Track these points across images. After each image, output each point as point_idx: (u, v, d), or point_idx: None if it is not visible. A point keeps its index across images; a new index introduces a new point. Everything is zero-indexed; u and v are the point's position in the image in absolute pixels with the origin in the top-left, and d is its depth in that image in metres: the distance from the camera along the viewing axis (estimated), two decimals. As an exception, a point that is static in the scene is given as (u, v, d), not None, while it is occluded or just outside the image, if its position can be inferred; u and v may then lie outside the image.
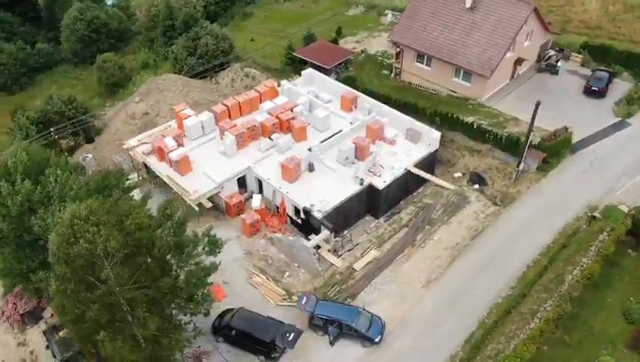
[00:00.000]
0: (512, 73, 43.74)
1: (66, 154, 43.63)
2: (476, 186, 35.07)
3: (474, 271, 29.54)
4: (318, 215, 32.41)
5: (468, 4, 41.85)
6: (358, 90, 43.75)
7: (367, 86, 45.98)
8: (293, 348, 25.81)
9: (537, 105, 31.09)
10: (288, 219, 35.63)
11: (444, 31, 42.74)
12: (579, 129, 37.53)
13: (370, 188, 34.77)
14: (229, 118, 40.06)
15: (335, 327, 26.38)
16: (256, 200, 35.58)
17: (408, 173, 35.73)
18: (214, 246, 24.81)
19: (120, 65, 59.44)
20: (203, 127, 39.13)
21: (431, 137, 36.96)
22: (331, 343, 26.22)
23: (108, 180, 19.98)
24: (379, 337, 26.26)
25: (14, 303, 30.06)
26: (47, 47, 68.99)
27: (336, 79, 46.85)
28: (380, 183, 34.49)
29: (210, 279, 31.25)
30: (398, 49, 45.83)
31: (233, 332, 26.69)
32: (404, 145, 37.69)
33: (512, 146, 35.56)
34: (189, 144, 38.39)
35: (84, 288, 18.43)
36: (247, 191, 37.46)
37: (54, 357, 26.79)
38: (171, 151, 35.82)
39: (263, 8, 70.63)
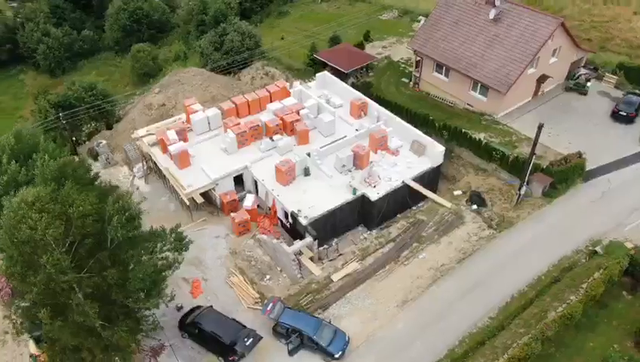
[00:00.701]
0: (534, 90, 41.43)
1: (84, 139, 45.53)
2: (474, 207, 33.45)
3: (454, 295, 28.15)
4: (303, 221, 31.98)
5: (491, 16, 39.99)
6: (372, 97, 42.97)
7: (382, 93, 45.09)
8: (248, 353, 25.57)
9: (540, 127, 29.18)
10: (279, 221, 35.46)
11: (464, 42, 41.07)
12: (598, 155, 35.13)
13: (363, 199, 33.97)
14: (237, 115, 40.31)
15: (296, 337, 25.89)
16: (249, 200, 35.57)
17: (406, 186, 34.61)
18: (180, 243, 24.87)
19: (153, 56, 61.25)
20: (209, 123, 39.54)
21: (434, 151, 35.65)
22: (290, 353, 25.74)
23: (65, 170, 20.45)
24: (340, 353, 25.51)
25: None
26: (92, 34, 72.14)
27: (353, 84, 46.14)
28: (374, 194, 33.62)
29: (191, 275, 32.30)
30: (418, 58, 44.51)
31: (197, 331, 26.71)
32: (407, 157, 36.56)
33: (519, 168, 33.63)
34: (194, 138, 38.95)
35: (31, 272, 18.94)
36: (245, 190, 37.54)
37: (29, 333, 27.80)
38: (172, 144, 36.43)
39: (300, 7, 70.73)
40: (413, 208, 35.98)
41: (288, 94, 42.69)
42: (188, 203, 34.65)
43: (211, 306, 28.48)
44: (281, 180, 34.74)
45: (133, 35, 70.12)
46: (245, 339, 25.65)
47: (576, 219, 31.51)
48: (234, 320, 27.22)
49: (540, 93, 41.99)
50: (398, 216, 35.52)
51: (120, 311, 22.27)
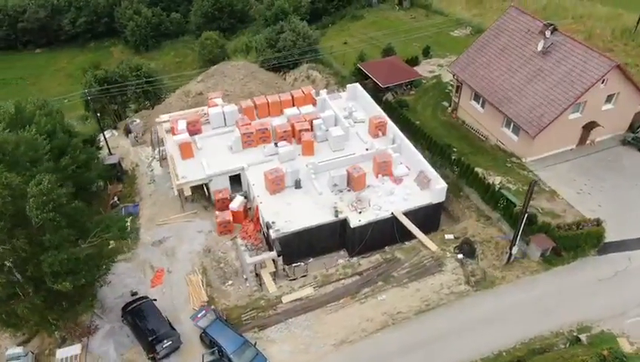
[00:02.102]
0: (580, 138, 36.10)
1: (129, 115, 48.31)
2: (460, 256, 30.06)
3: (395, 350, 25.55)
4: (272, 234, 31.08)
5: (540, 47, 35.45)
6: (398, 117, 40.62)
7: (415, 115, 42.43)
8: (165, 355, 25.49)
9: (532, 184, 25.25)
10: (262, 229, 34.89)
11: (505, 72, 36.94)
12: (627, 226, 29.87)
13: (344, 223, 32.16)
14: (255, 115, 40.21)
15: (214, 352, 25.26)
16: (236, 202, 35.32)
17: (395, 218, 32.14)
18: (122, 232, 25.38)
19: (220, 45, 63.36)
20: (225, 119, 39.91)
21: (436, 187, 32.63)
22: (204, 366, 25.21)
23: (4, 147, 21.70)
24: (252, 378, 24.49)
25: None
26: (180, 17, 76.50)
27: (386, 100, 43.81)
28: (355, 220, 31.68)
29: (160, 264, 32.96)
30: (458, 82, 40.99)
31: (130, 320, 27.20)
32: (408, 188, 33.92)
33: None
34: (207, 131, 39.61)
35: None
36: (242, 191, 37.44)
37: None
38: (179, 133, 37.35)
39: (376, 13, 68.74)
40: (405, 243, 33.28)
41: (313, 101, 41.73)
42: (176, 193, 35.34)
43: (153, 300, 28.75)
44: (268, 188, 34.07)
45: (215, 22, 73.18)
46: (165, 341, 25.58)
47: (572, 295, 27.00)
48: (166, 319, 27.26)
49: (588, 142, 36.51)
50: (386, 248, 33.16)
51: (43, 287, 23.29)
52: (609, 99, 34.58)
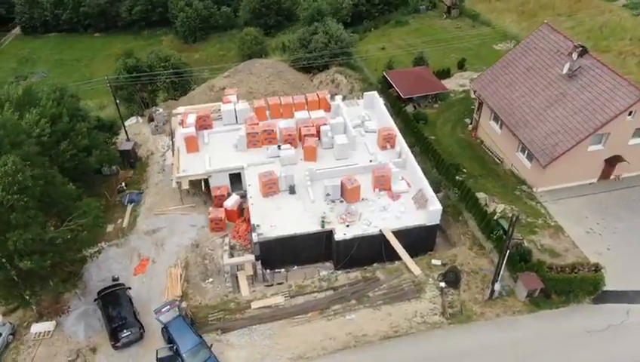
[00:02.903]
0: (603, 172, 33.04)
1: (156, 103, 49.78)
2: (443, 284, 28.36)
3: (351, 373, 24.57)
4: (254, 237, 30.80)
5: (565, 70, 32.75)
6: (412, 130, 39.22)
7: (430, 129, 40.72)
8: (118, 347, 25.90)
9: (513, 218, 23.26)
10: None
11: (527, 93, 34.47)
12: (633, 276, 26.97)
13: (330, 235, 31.33)
14: (267, 115, 40.08)
15: (170, 349, 25.34)
16: (231, 201, 35.33)
17: (383, 236, 30.90)
18: (96, 220, 26.03)
19: (259, 42, 63.85)
20: (236, 116, 40.08)
21: (431, 209, 31.02)
22: (158, 361, 25.24)
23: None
24: (201, 381, 24.35)
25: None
26: (229, 11, 77.95)
27: (403, 111, 42.24)
28: (340, 234, 30.78)
29: (147, 253, 33.59)
30: (480, 100, 38.78)
31: (100, 304, 27.89)
32: (404, 206, 32.50)
33: (513, 259, 27.35)
34: (218, 127, 39.95)
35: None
36: (243, 190, 37.45)
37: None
38: (187, 127, 37.90)
39: (421, 20, 66.64)
40: (394, 262, 31.86)
41: (327, 106, 41.02)
42: (174, 185, 35.88)
43: (127, 288, 29.31)
44: (261, 190, 33.82)
45: (262, 18, 73.94)
46: (125, 331, 26.00)
47: (553, 344, 24.70)
48: (134, 309, 27.68)
49: (612, 177, 33.36)
50: (374, 264, 32.00)
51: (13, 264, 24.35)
52: (638, 133, 31.34)
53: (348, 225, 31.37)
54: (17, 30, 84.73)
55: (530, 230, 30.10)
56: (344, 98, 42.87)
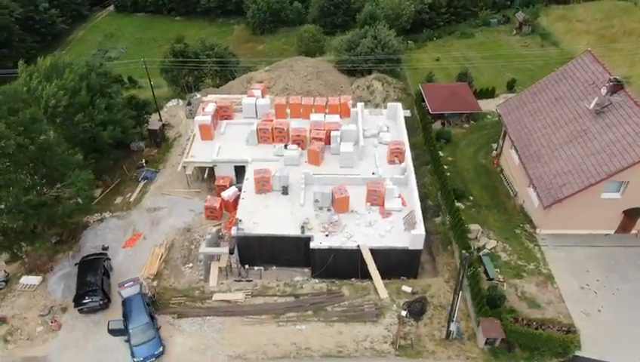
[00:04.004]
0: (621, 225, 29.34)
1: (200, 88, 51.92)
2: (403, 313, 26.87)
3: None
4: (234, 231, 31.22)
5: (591, 106, 29.42)
6: (427, 151, 37.59)
7: (451, 150, 38.66)
8: (83, 311, 27.54)
9: (464, 259, 21.37)
10: (244, 223, 35.15)
11: (549, 125, 31.46)
12: (617, 346, 23.80)
13: (307, 242, 30.88)
14: (287, 114, 40.26)
15: (122, 322, 26.47)
16: (229, 191, 35.96)
17: (360, 252, 29.93)
18: (79, 191, 27.81)
19: (316, 39, 64.06)
20: (256, 110, 40.67)
21: (414, 233, 29.46)
22: (109, 331, 26.42)
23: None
24: (141, 359, 25.22)
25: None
26: (300, 7, 78.87)
27: (427, 126, 40.32)
28: (316, 242, 30.27)
29: (142, 229, 35.25)
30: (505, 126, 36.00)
31: (78, 269, 29.80)
32: (393, 225, 31.20)
33: (480, 301, 25.21)
34: (238, 119, 40.82)
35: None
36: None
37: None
38: (204, 115, 39.12)
39: (488, 34, 62.95)
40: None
41: (347, 112, 40.30)
42: (179, 169, 37.24)
43: (107, 259, 30.99)
44: (255, 186, 34.13)
45: (329, 16, 73.98)
46: (87, 298, 27.58)
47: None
48: (104, 280, 29.16)
49: (634, 231, 29.53)
50: (352, 279, 31.11)
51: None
52: (666, 186, 27.43)
53: (327, 235, 30.72)
54: (112, 7, 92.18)
55: (516, 273, 27.60)
56: (366, 105, 41.81)
